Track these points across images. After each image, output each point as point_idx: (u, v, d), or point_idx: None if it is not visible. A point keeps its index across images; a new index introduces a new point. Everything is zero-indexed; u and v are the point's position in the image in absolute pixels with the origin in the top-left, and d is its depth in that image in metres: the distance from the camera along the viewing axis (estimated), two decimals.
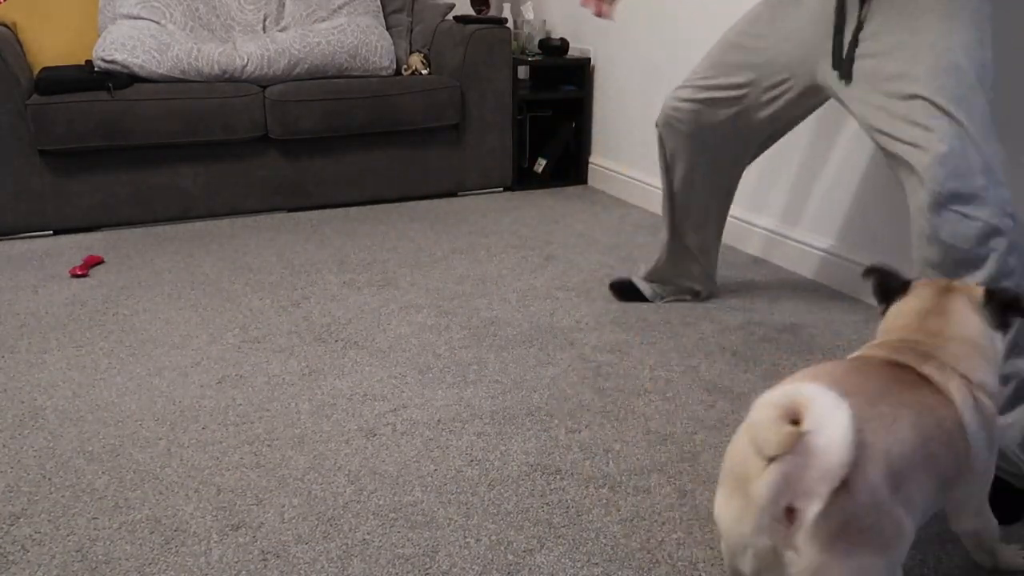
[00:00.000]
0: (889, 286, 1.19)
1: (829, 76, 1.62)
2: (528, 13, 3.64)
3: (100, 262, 2.56)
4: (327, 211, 3.14)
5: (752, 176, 2.60)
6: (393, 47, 3.28)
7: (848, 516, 0.86)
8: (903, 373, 1.04)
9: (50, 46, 3.01)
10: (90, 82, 2.76)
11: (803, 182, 2.43)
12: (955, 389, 1.04)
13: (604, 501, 1.39)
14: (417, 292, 2.31)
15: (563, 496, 1.40)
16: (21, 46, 2.94)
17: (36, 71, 2.88)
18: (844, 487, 0.85)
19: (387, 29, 3.35)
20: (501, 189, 3.45)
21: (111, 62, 2.87)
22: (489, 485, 1.43)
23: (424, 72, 3.30)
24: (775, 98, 1.78)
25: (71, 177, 2.81)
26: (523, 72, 3.68)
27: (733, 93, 1.84)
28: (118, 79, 2.81)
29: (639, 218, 3.06)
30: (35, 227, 2.83)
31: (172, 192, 2.94)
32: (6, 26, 2.94)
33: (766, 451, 0.85)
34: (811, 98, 1.76)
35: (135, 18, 2.98)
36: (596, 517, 1.35)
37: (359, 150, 3.14)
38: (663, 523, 1.33)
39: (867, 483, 0.87)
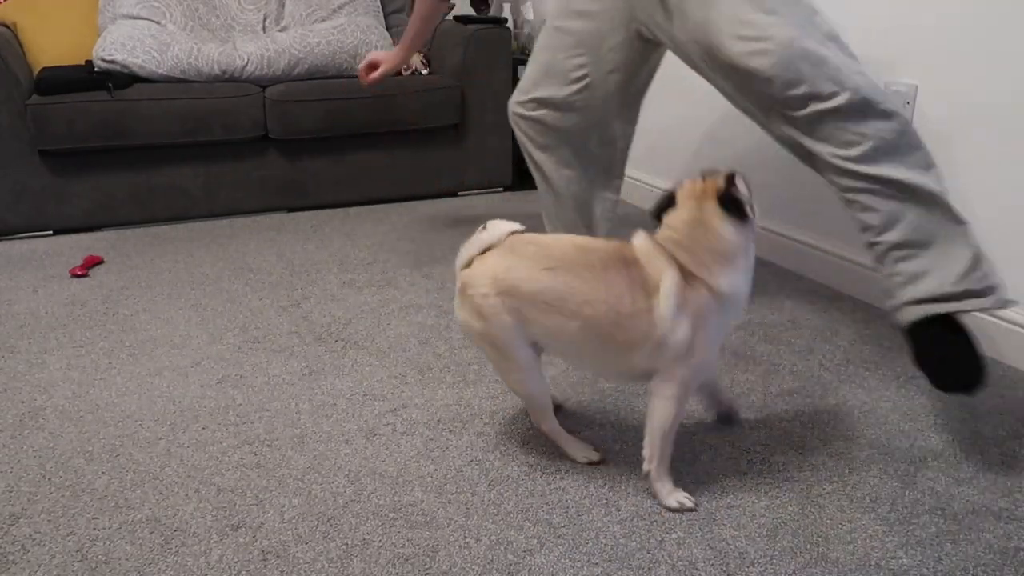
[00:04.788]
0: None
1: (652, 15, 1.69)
2: (528, 13, 3.65)
3: (100, 262, 2.56)
4: (327, 211, 3.14)
5: (757, 177, 2.60)
6: (393, 47, 3.28)
7: None
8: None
9: (50, 46, 3.01)
10: (90, 82, 2.76)
11: (805, 184, 2.43)
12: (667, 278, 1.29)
13: (604, 501, 1.39)
14: (417, 292, 2.31)
15: (563, 496, 1.40)
16: (21, 46, 2.94)
17: (36, 71, 2.88)
18: None
19: (387, 29, 3.36)
20: (501, 189, 3.45)
21: (111, 62, 2.86)
22: (489, 485, 1.43)
23: (424, 72, 3.30)
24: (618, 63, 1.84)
25: (71, 177, 2.81)
26: (523, 72, 3.67)
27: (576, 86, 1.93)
28: (118, 79, 2.81)
29: (638, 218, 3.06)
30: (35, 227, 2.83)
31: (172, 192, 2.94)
32: (6, 26, 2.94)
33: None
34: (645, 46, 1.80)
35: (135, 18, 2.98)
36: (596, 517, 1.35)
37: (359, 150, 3.14)
38: (663, 523, 1.33)
39: None
